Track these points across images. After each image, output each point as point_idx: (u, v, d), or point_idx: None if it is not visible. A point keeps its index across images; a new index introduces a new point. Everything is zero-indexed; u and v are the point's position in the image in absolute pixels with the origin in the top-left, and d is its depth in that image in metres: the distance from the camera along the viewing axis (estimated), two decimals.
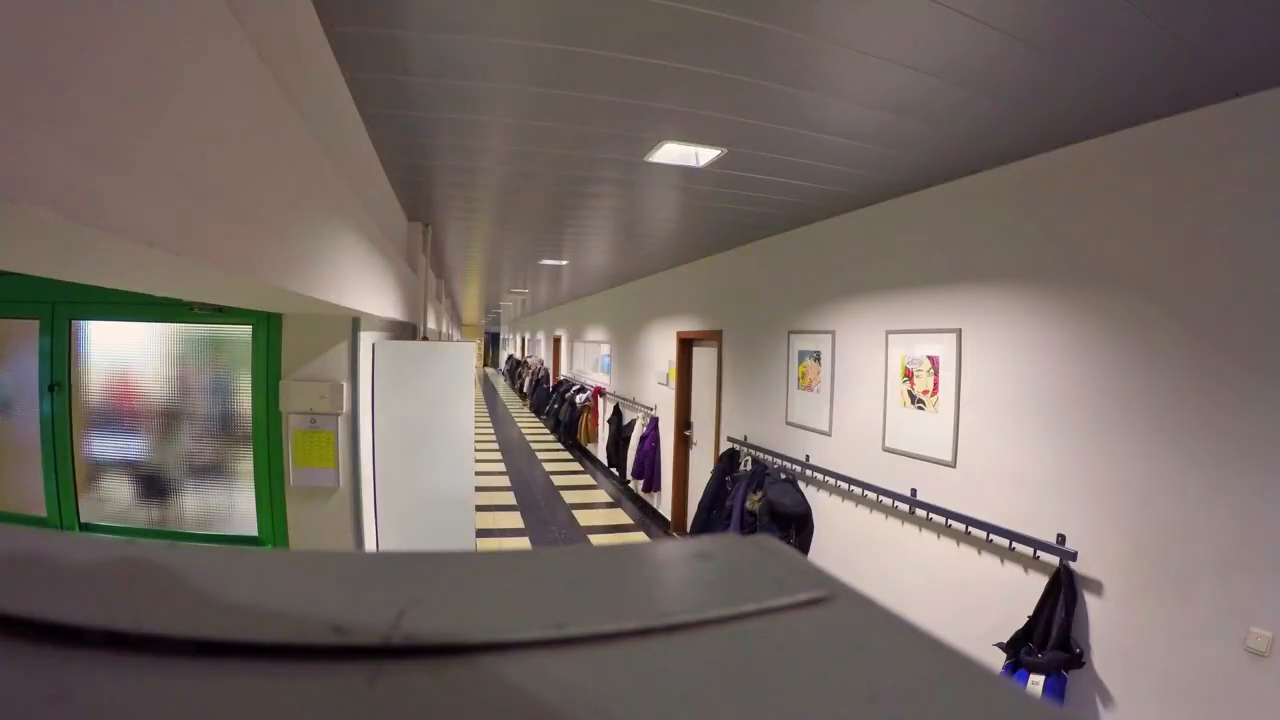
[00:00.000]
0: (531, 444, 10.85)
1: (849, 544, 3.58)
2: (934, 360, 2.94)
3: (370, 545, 2.71)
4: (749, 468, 4.53)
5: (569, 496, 7.48)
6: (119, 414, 2.40)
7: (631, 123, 2.26)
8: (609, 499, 7.47)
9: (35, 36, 0.50)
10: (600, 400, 9.38)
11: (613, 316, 9.21)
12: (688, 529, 5.80)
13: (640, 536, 6.17)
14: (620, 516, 6.80)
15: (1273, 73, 1.67)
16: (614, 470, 8.00)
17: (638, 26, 1.59)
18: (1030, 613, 2.30)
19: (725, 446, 5.14)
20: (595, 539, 6.01)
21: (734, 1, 1.46)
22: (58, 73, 0.53)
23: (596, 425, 9.38)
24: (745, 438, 4.77)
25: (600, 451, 8.85)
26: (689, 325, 6.08)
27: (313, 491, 2.39)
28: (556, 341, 14.59)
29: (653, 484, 6.70)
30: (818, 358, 3.89)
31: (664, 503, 6.54)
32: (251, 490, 2.39)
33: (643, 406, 7.31)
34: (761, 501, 3.99)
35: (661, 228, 4.39)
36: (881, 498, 3.25)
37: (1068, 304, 2.33)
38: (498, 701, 0.21)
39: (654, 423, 6.81)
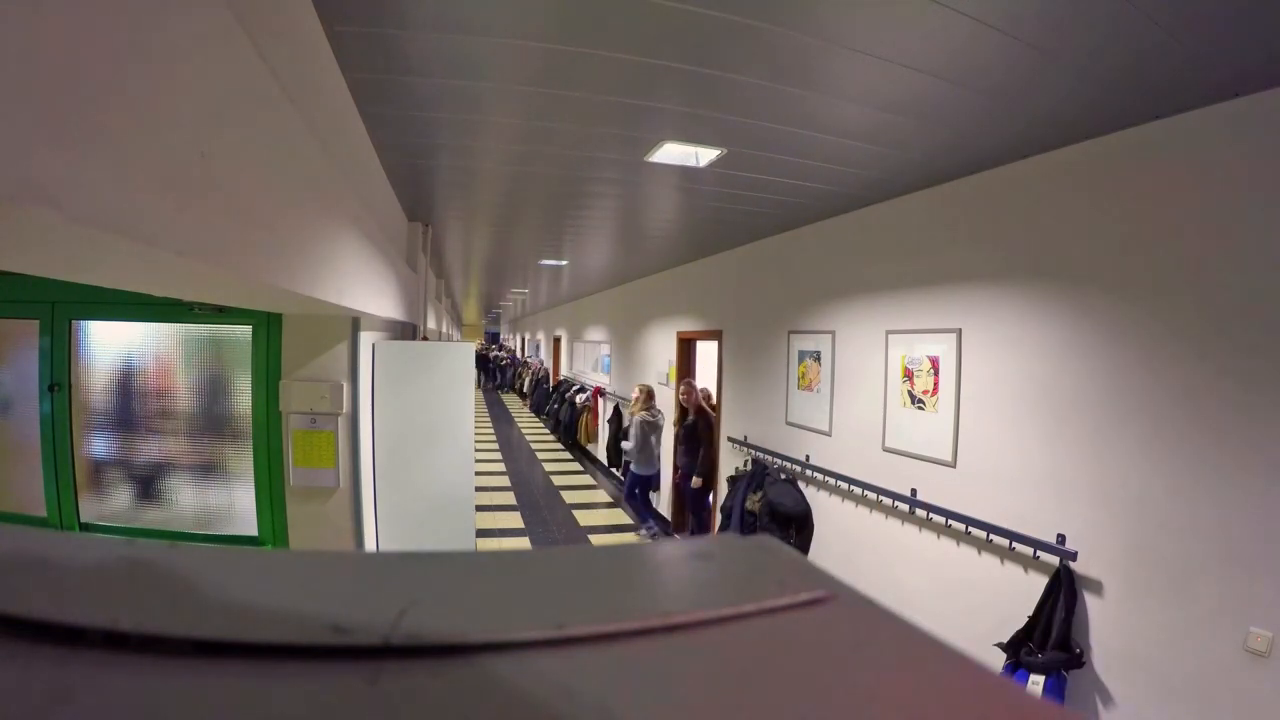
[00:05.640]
0: (531, 444, 10.85)
1: (849, 544, 3.58)
2: (934, 360, 2.94)
3: (370, 545, 2.71)
4: (748, 467, 4.54)
5: (569, 496, 7.48)
6: (119, 414, 2.40)
7: (631, 123, 2.26)
8: (609, 499, 7.47)
9: (34, 38, 0.50)
10: (600, 400, 9.38)
11: (613, 316, 9.21)
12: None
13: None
14: (620, 516, 6.80)
15: (1273, 73, 1.67)
16: (614, 470, 8.00)
17: (638, 26, 1.59)
18: (1030, 613, 2.30)
19: (725, 446, 5.15)
20: (595, 539, 6.01)
21: (734, 1, 1.46)
22: (57, 74, 0.53)
23: (596, 425, 9.38)
24: (745, 437, 4.77)
25: (600, 451, 8.85)
26: (689, 325, 6.08)
27: (313, 491, 2.39)
28: (556, 341, 14.59)
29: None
30: (818, 358, 3.89)
31: (663, 503, 6.54)
32: (251, 490, 2.39)
33: None
34: (761, 501, 3.99)
35: (661, 228, 4.39)
36: (881, 498, 3.25)
37: (1068, 304, 2.33)
38: (498, 701, 0.20)
39: None
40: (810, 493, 3.92)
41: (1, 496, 2.43)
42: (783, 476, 4.05)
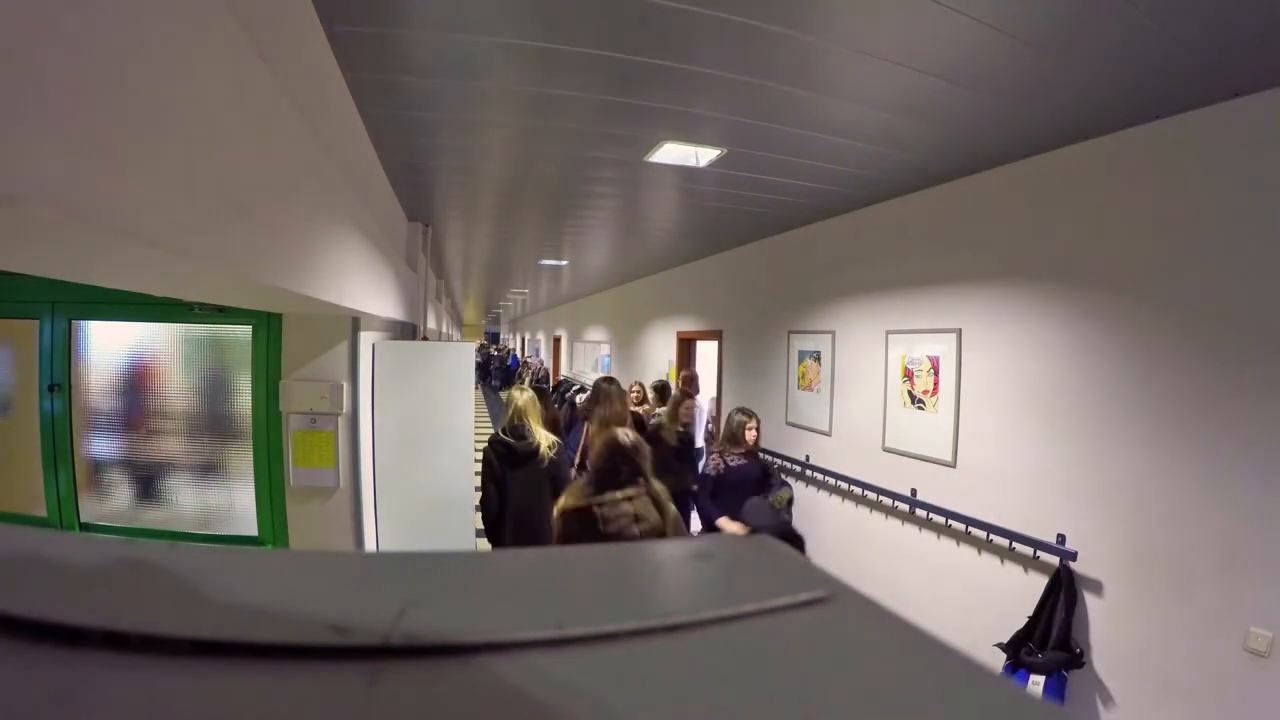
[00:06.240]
0: None
1: (849, 544, 3.58)
2: (934, 360, 2.94)
3: (370, 545, 2.70)
4: None
5: None
6: (119, 414, 2.40)
7: (631, 123, 2.26)
8: None
9: (34, 37, 0.50)
10: None
11: (613, 316, 9.21)
12: None
13: None
14: None
15: (1273, 73, 1.67)
16: None
17: (637, 26, 1.59)
18: (1030, 613, 2.30)
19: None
20: None
21: (734, 1, 1.46)
22: (58, 73, 0.53)
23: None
24: None
25: None
26: (689, 325, 6.08)
27: (313, 491, 2.39)
28: (556, 341, 14.59)
29: None
30: (818, 358, 3.89)
31: None
32: (251, 490, 2.39)
33: None
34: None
35: (661, 228, 4.39)
36: (881, 498, 3.25)
37: (1068, 304, 2.33)
38: (498, 701, 0.20)
39: None
40: (810, 492, 3.92)
41: (1, 496, 2.43)
42: (783, 478, 4.05)
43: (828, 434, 3.79)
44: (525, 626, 0.24)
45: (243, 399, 2.38)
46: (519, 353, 22.41)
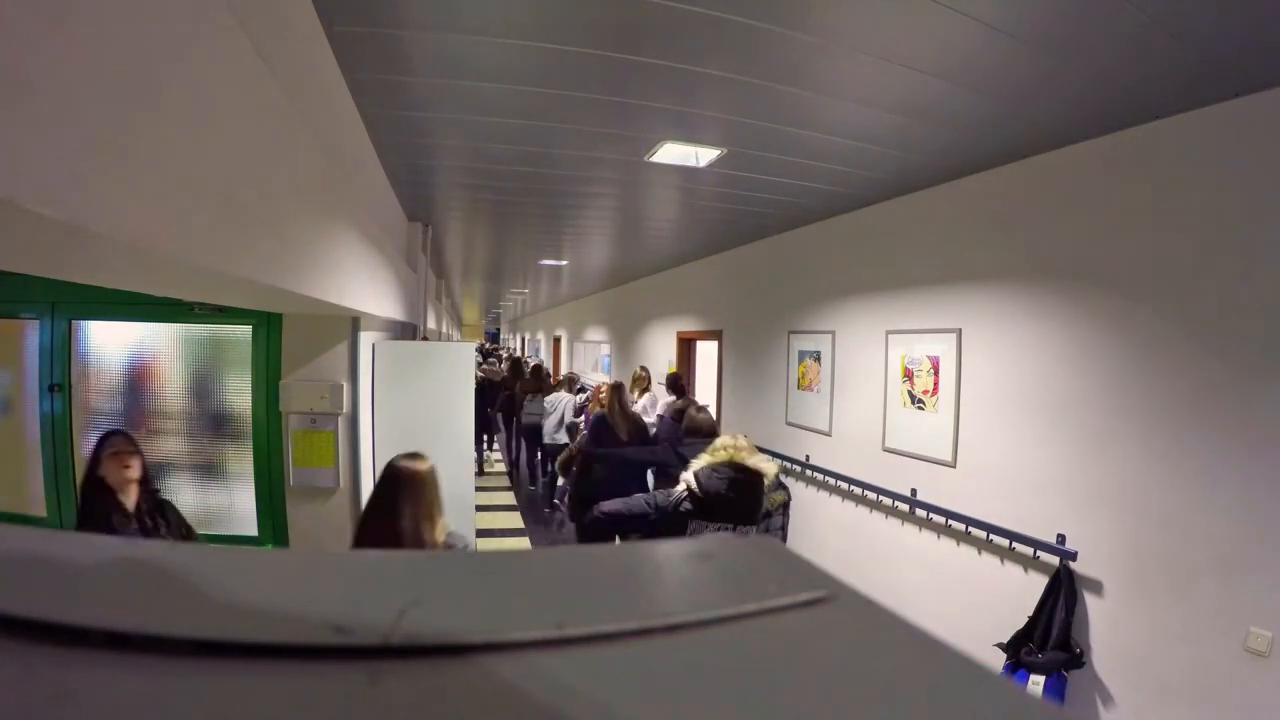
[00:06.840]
0: None
1: (849, 544, 3.58)
2: (934, 360, 2.94)
3: None
4: None
5: None
6: (119, 414, 2.40)
7: (631, 123, 2.26)
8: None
9: (35, 36, 0.50)
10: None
11: (613, 316, 9.21)
12: None
13: None
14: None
15: (1273, 73, 1.67)
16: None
17: (637, 26, 1.59)
18: (1030, 613, 2.30)
19: None
20: None
21: (733, 1, 1.46)
22: (58, 72, 0.53)
23: None
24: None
25: None
26: (689, 325, 6.08)
27: (313, 491, 2.39)
28: (556, 341, 14.59)
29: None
30: (818, 358, 3.89)
31: None
32: (251, 490, 2.39)
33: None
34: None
35: (662, 228, 4.39)
36: (881, 497, 3.25)
37: (1068, 304, 2.33)
38: (498, 701, 0.20)
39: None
40: (810, 492, 3.92)
41: (1, 496, 2.43)
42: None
43: (827, 434, 3.79)
44: (525, 626, 0.24)
45: (243, 399, 2.38)
46: (518, 352, 22.51)
